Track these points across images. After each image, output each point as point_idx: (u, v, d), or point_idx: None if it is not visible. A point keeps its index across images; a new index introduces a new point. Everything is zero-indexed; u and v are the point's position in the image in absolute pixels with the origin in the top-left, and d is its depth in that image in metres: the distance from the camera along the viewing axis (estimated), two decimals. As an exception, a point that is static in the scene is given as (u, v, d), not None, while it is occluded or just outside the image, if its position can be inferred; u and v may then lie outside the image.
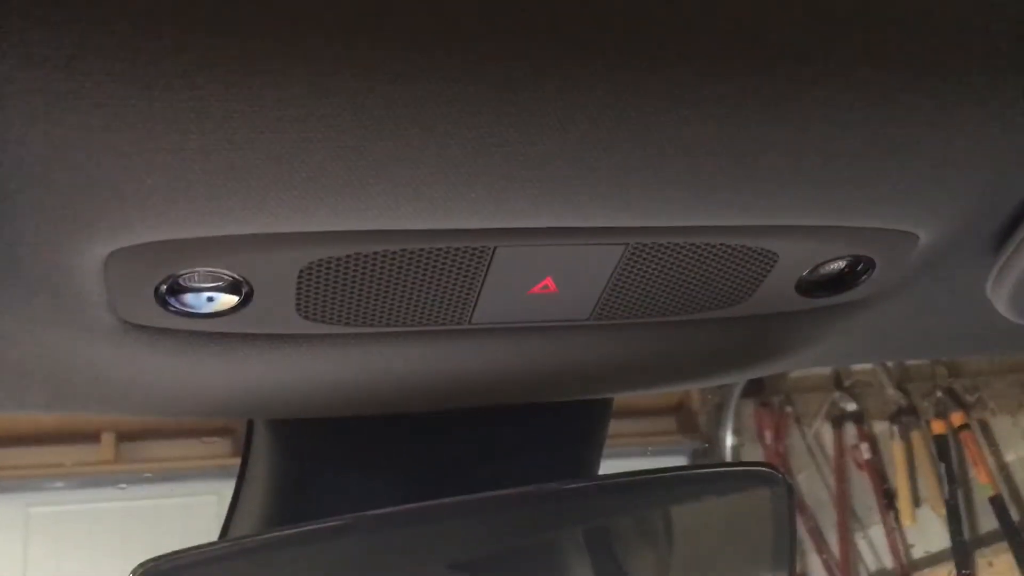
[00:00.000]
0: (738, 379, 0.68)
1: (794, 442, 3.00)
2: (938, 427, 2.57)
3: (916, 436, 2.68)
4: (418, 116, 0.35)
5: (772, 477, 0.64)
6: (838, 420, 2.87)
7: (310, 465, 0.67)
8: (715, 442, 3.11)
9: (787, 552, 0.63)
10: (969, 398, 2.59)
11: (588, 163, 0.38)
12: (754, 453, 3.03)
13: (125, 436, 2.82)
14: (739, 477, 0.70)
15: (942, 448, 2.55)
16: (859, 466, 2.80)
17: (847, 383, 2.84)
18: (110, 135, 0.33)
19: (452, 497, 0.62)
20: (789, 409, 2.99)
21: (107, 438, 2.78)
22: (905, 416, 2.70)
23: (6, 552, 2.72)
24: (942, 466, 2.55)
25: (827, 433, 2.91)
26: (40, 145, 0.33)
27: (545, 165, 0.38)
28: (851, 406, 2.84)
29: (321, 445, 0.66)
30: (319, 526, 0.60)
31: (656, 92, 0.36)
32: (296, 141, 0.35)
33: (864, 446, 2.79)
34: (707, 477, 0.71)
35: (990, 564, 2.46)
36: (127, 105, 0.32)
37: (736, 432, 3.06)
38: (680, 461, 3.15)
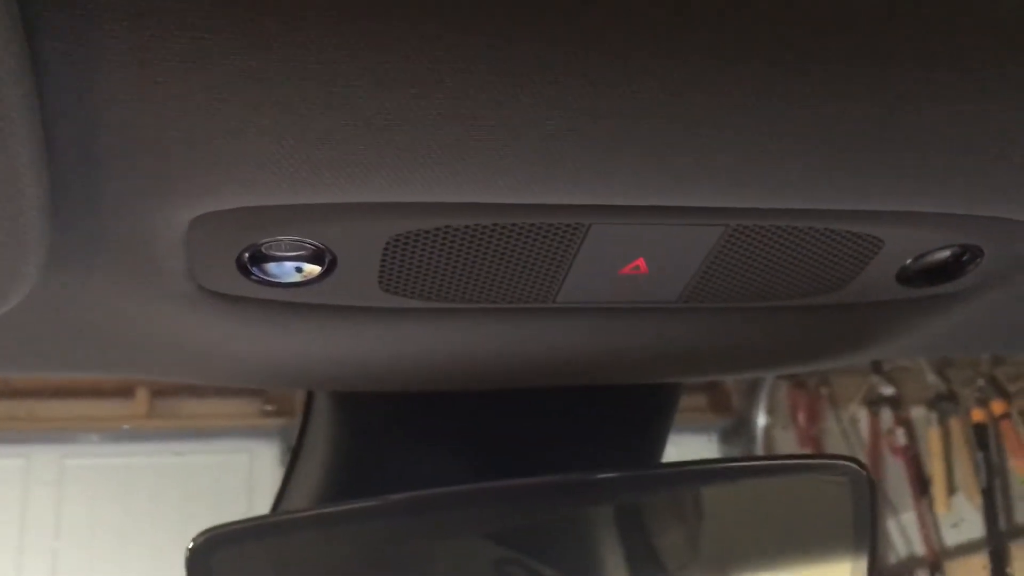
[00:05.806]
0: (823, 368, 0.66)
1: (828, 425, 2.97)
2: (978, 415, 2.54)
3: (954, 423, 2.64)
4: (522, 86, 0.32)
5: (854, 472, 0.61)
6: (874, 404, 2.84)
7: (371, 440, 0.66)
8: (746, 422, 3.08)
9: (867, 549, 0.61)
10: (1012, 387, 2.55)
11: (695, 142, 0.36)
12: (786, 435, 3.00)
13: (159, 392, 2.84)
14: (820, 470, 0.68)
15: (981, 437, 2.52)
16: (894, 452, 2.77)
17: (887, 367, 2.80)
18: (208, 95, 0.31)
19: (515, 479, 0.61)
20: (824, 391, 2.96)
21: (142, 394, 2.81)
22: (944, 403, 2.66)
23: (41, 502, 2.76)
24: (980, 455, 2.52)
25: (862, 417, 2.88)
26: (136, 105, 0.31)
27: (650, 142, 0.36)
28: (888, 390, 2.80)
29: (383, 420, 0.65)
30: (376, 503, 0.59)
31: (770, 76, 0.33)
32: (395, 108, 0.33)
33: (900, 431, 2.76)
34: (787, 468, 0.69)
35: (1026, 556, 2.43)
36: (225, 63, 0.30)
37: (769, 412, 3.04)
38: (708, 440, 3.14)
